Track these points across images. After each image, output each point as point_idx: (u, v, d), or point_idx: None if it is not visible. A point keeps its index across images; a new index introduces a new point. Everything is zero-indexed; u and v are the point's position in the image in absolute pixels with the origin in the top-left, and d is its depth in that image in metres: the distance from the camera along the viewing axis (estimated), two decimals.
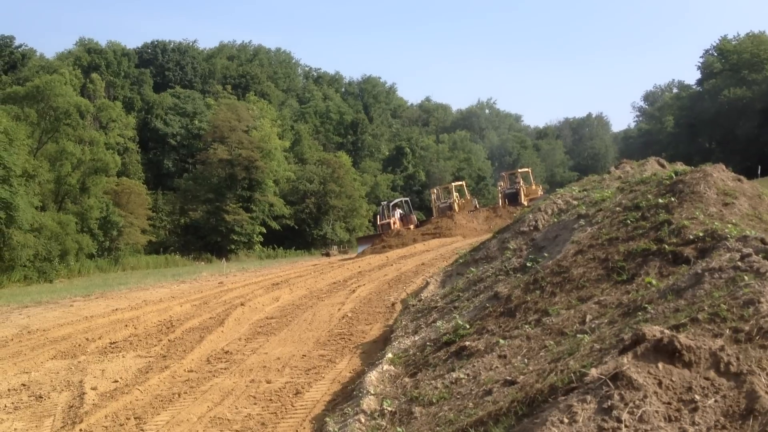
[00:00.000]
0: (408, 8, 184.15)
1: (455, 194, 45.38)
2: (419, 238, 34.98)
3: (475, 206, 43.87)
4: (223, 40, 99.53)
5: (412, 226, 41.74)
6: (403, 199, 49.41)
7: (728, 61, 71.66)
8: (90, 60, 67.25)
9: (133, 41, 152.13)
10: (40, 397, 8.44)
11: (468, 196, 47.28)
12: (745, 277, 5.01)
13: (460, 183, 51.16)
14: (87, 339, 12.45)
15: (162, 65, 75.44)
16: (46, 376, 9.70)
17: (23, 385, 9.19)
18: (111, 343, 11.92)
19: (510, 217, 35.00)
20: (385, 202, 46.36)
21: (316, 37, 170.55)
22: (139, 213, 54.32)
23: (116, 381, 8.96)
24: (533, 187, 45.17)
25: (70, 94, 47.67)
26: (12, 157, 34.09)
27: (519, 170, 49.06)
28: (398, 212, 44.02)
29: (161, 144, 67.00)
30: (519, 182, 44.51)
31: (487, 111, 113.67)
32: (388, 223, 41.17)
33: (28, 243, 35.65)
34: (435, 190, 47.78)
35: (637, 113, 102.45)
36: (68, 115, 46.53)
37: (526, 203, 39.99)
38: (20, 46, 64.52)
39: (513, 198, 41.98)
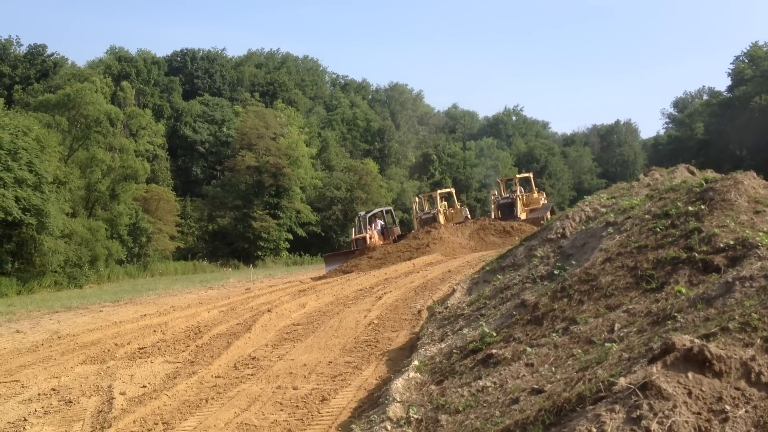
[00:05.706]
0: (435, 17, 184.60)
1: (442, 203, 40.16)
2: (391, 259, 29.05)
3: (466, 217, 38.16)
4: (251, 48, 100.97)
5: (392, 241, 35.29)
6: (385, 208, 41.76)
7: (759, 68, 70.69)
8: (120, 68, 68.18)
9: (162, 49, 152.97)
10: (70, 402, 8.51)
11: (458, 206, 41.81)
12: None
13: (448, 190, 45.53)
14: (116, 344, 12.56)
15: (191, 73, 76.28)
16: (75, 380, 9.79)
17: (53, 389, 9.28)
18: (139, 349, 12.01)
19: (498, 234, 31.05)
20: (362, 213, 38.67)
21: (344, 45, 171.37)
22: (167, 219, 54.96)
23: (144, 386, 9.02)
24: (534, 195, 40.05)
25: (100, 101, 48.40)
26: (43, 165, 34.61)
27: (518, 176, 43.49)
28: (379, 224, 37.20)
29: (190, 151, 67.76)
30: (516, 190, 38.98)
31: (514, 118, 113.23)
32: (364, 238, 34.76)
33: (59, 249, 36.18)
34: (416, 200, 42.31)
35: (667, 120, 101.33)
36: (99, 123, 47.27)
37: (523, 216, 36.00)
38: (52, 54, 65.64)
39: (508, 209, 37.01)
